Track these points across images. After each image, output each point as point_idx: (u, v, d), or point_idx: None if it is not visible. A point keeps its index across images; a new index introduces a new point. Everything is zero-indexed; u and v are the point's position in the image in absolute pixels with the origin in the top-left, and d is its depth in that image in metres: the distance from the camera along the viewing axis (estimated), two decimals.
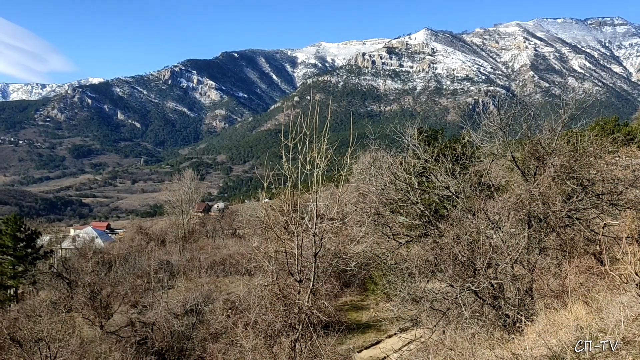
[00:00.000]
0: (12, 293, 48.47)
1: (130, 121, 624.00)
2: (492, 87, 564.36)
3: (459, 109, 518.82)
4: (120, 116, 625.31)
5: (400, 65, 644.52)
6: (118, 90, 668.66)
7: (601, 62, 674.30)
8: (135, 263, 50.09)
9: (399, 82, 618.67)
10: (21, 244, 49.24)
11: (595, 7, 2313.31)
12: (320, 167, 17.46)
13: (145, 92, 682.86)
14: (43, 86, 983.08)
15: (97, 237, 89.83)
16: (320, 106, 18.14)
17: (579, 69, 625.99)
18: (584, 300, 12.93)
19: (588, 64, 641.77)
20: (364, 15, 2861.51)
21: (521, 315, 14.95)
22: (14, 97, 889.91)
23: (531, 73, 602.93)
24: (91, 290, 34.21)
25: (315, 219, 17.24)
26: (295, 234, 17.36)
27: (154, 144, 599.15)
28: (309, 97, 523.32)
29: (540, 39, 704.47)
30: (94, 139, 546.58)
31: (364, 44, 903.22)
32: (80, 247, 68.93)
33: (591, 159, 19.36)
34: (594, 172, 19.23)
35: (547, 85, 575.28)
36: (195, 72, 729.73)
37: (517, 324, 14.93)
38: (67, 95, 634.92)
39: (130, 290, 39.50)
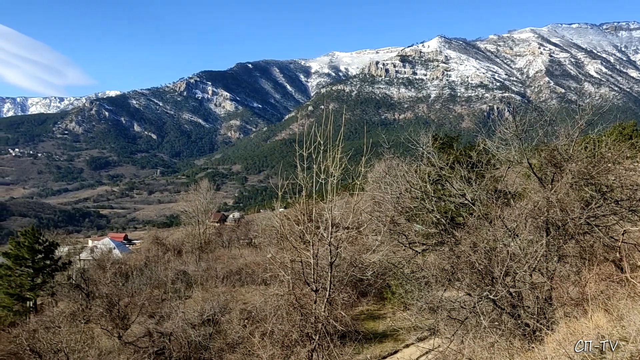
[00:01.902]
0: (31, 305, 48.91)
1: (146, 133, 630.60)
2: (506, 94, 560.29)
3: (474, 116, 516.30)
4: (136, 128, 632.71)
5: (414, 73, 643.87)
6: (134, 102, 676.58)
7: (617, 66, 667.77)
8: (152, 273, 50.46)
9: (412, 90, 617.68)
10: (39, 256, 49.67)
11: (610, 12, 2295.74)
12: (334, 176, 17.49)
13: (161, 104, 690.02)
14: (61, 99, 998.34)
15: (114, 248, 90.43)
16: (334, 115, 18.16)
17: (595, 74, 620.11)
18: (605, 308, 12.71)
19: (604, 69, 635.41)
20: (377, 25, 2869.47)
21: (541, 324, 14.74)
22: (33, 110, 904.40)
23: (546, 79, 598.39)
24: (109, 301, 34.49)
25: (330, 228, 17.23)
26: (311, 243, 17.36)
27: (170, 155, 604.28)
28: (322, 107, 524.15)
29: (555, 44, 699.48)
30: (111, 151, 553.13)
31: (377, 52, 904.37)
32: (98, 258, 69.60)
33: (609, 164, 19.08)
34: (613, 178, 18.95)
35: (563, 91, 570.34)
36: (210, 83, 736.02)
37: (537, 333, 14.73)
38: (85, 108, 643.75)
39: (148, 300, 39.74)
